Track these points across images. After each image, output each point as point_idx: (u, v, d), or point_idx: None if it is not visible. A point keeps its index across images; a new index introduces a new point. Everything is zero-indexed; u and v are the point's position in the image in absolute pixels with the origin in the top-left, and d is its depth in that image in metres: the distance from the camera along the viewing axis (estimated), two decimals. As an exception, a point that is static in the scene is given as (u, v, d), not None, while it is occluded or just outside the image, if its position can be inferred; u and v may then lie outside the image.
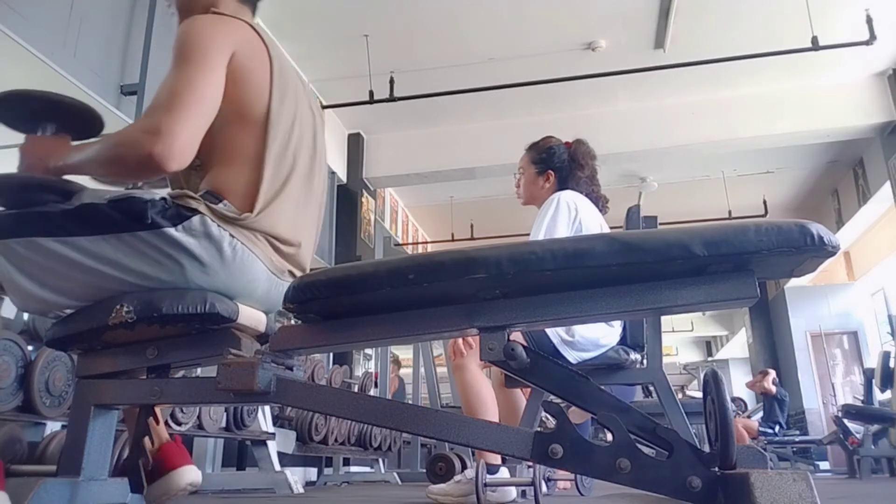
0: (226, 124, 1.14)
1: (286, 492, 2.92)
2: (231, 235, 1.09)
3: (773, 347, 9.72)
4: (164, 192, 1.09)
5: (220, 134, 1.14)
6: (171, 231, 1.04)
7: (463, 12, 4.72)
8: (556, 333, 2.09)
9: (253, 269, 1.14)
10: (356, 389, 4.62)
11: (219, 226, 1.08)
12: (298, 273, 1.25)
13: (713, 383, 0.90)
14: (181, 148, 1.02)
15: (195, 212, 1.06)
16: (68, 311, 1.13)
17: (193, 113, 1.04)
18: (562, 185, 2.33)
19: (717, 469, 0.84)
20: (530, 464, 1.75)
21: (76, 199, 1.08)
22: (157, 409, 1.26)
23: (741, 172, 6.95)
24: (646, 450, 0.87)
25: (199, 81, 1.06)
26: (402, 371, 8.90)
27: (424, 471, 3.86)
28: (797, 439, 7.73)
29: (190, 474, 1.22)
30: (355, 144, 6.51)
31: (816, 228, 0.87)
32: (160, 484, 1.20)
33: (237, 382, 0.99)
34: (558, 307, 0.94)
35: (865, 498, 2.18)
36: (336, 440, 4.16)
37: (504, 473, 2.01)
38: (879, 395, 5.56)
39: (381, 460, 4.93)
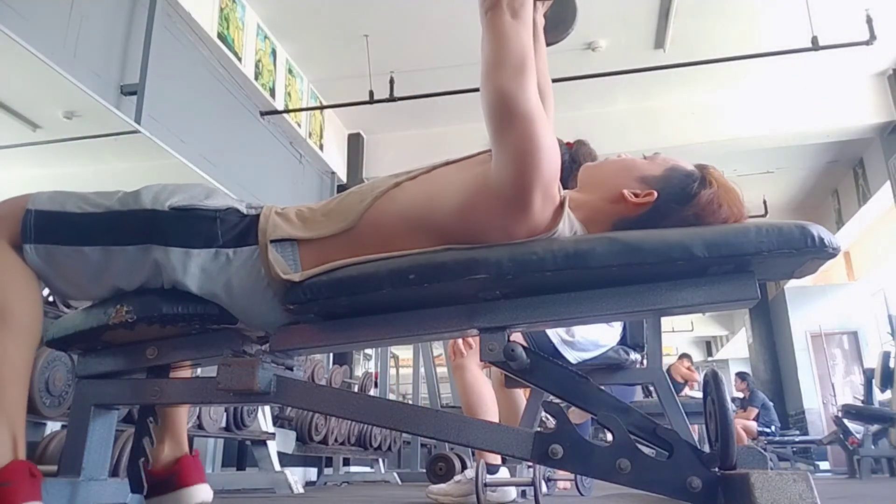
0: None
1: (286, 492, 2.92)
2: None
3: (773, 347, 9.72)
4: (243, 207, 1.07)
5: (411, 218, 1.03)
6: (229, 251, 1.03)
7: (463, 12, 4.72)
8: (556, 334, 2.09)
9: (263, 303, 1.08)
10: (356, 389, 4.62)
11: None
12: None
13: (713, 383, 0.90)
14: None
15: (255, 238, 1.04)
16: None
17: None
18: (563, 186, 2.33)
19: (717, 469, 0.84)
20: (530, 464, 1.75)
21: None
22: (181, 419, 1.26)
23: (741, 172, 6.94)
24: (646, 450, 0.87)
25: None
26: (402, 371, 8.90)
27: (424, 471, 3.87)
28: (797, 439, 7.73)
29: (201, 493, 1.21)
30: (355, 144, 6.51)
31: (817, 230, 0.87)
32: (169, 498, 1.19)
33: (237, 382, 0.99)
34: (558, 308, 0.94)
35: (865, 498, 2.18)
36: (336, 440, 4.16)
37: (504, 473, 2.01)
38: (879, 395, 5.56)
39: (381, 460, 4.93)
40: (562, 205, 0.98)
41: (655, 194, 1.03)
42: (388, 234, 1.02)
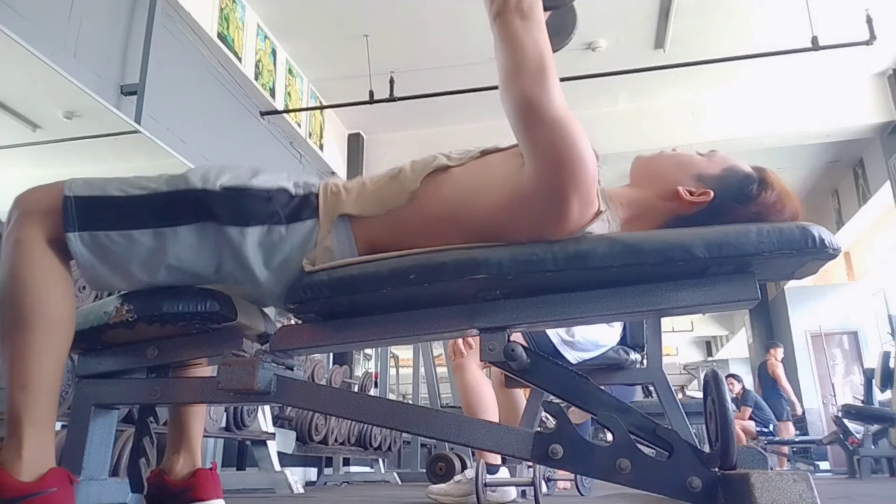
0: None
1: (286, 492, 2.92)
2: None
3: (773, 347, 9.70)
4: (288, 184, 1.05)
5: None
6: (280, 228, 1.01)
7: (463, 12, 4.72)
8: (556, 334, 2.09)
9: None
10: (356, 389, 4.62)
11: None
12: None
13: (713, 383, 0.90)
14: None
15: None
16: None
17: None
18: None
19: (717, 469, 0.84)
20: (530, 464, 1.75)
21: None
22: (197, 430, 1.25)
23: (741, 172, 6.95)
24: (646, 450, 0.87)
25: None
26: (402, 371, 8.89)
27: (424, 471, 3.87)
28: (797, 439, 7.73)
29: None
30: (355, 144, 6.51)
31: (818, 230, 0.87)
32: None
33: (237, 382, 0.99)
34: (559, 308, 0.94)
35: (865, 498, 2.18)
36: (336, 440, 4.16)
37: (504, 473, 2.01)
38: (879, 395, 5.56)
39: (381, 460, 4.93)
40: (599, 211, 0.95)
41: (711, 194, 1.01)
42: (431, 219, 1.01)
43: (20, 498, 0.91)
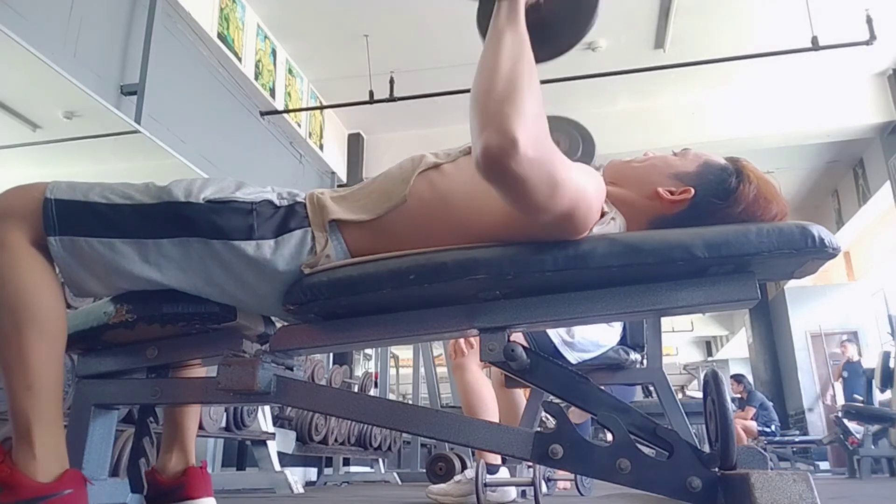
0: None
1: (286, 492, 2.92)
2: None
3: (773, 347, 9.71)
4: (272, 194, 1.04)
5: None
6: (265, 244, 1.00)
7: (463, 12, 4.71)
8: (556, 334, 2.09)
9: None
10: (356, 389, 4.62)
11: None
12: None
13: (713, 383, 0.90)
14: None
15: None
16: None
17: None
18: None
19: (717, 469, 0.84)
20: (530, 464, 1.75)
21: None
22: (190, 429, 1.25)
23: (741, 172, 6.95)
24: (646, 450, 0.87)
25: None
26: (402, 371, 8.89)
27: (424, 471, 3.87)
28: (797, 439, 7.73)
29: None
30: (355, 144, 6.51)
31: (817, 230, 0.87)
32: None
33: (237, 382, 0.99)
34: (559, 308, 0.94)
35: (865, 498, 2.18)
36: (336, 440, 4.16)
37: (504, 473, 2.01)
38: (879, 395, 5.56)
39: (381, 460, 4.93)
40: (603, 213, 0.95)
41: (692, 191, 1.01)
42: (426, 219, 1.00)
43: (38, 499, 0.90)
